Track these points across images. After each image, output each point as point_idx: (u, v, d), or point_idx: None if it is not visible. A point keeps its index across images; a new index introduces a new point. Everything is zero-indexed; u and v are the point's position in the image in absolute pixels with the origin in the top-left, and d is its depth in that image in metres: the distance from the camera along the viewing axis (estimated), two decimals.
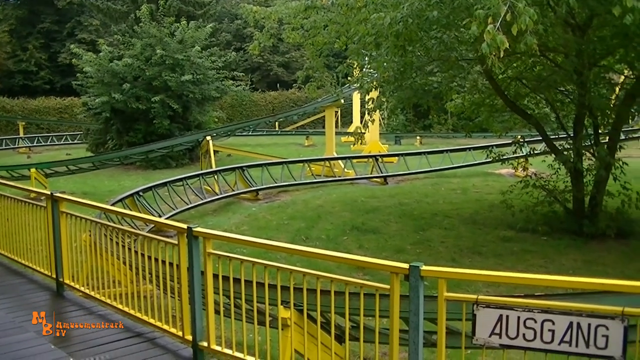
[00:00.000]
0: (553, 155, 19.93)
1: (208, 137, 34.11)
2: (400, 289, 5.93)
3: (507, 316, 5.40)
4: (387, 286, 5.95)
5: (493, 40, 9.73)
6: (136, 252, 9.03)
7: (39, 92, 71.31)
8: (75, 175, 32.19)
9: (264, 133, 61.86)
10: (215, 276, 7.79)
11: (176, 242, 7.82)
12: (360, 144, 41.09)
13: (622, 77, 21.18)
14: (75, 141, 57.27)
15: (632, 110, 20.09)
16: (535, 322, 5.31)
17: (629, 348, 5.08)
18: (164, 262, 8.17)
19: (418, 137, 56.55)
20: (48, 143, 58.76)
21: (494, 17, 9.92)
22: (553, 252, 17.25)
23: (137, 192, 21.54)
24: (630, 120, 26.45)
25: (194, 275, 7.61)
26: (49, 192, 10.41)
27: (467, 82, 21.26)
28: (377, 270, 6.92)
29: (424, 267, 5.72)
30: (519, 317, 5.36)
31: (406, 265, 5.79)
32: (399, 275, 5.88)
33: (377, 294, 6.18)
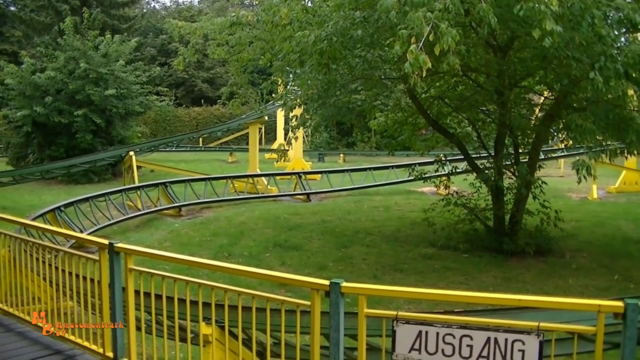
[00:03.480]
0: (474, 174, 20.17)
1: (131, 152, 33.64)
2: (322, 306, 5.97)
3: (427, 332, 5.48)
4: (308, 302, 5.99)
5: (416, 59, 9.81)
6: (57, 268, 8.90)
7: None
8: None
9: (188, 149, 61.39)
10: (137, 292, 7.74)
11: (97, 258, 7.75)
12: (284, 160, 41.16)
13: (542, 98, 21.62)
14: None
15: (551, 130, 20.44)
16: (454, 337, 5.39)
17: None
18: (85, 278, 8.09)
19: (341, 155, 56.93)
20: None
21: (417, 37, 10.02)
22: (474, 269, 17.45)
23: (58, 207, 21.23)
24: (549, 140, 26.95)
25: (115, 291, 7.55)
26: None
27: (390, 101, 21.47)
28: (299, 286, 6.95)
29: (345, 284, 5.77)
30: (438, 333, 5.45)
31: (327, 282, 5.84)
32: (319, 291, 5.92)
33: (298, 310, 6.17)
